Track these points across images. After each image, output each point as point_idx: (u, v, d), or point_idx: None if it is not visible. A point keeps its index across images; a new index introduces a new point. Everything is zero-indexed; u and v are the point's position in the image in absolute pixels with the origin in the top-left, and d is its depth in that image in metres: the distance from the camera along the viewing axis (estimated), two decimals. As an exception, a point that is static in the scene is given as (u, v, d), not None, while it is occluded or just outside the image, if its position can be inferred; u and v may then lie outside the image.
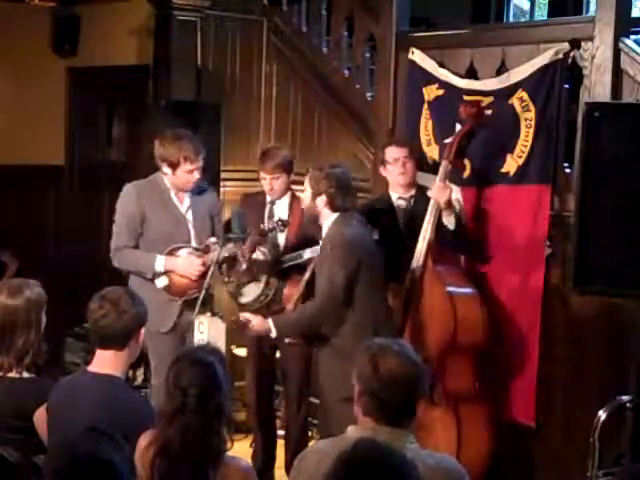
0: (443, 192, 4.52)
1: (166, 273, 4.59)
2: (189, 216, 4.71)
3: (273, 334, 4.20)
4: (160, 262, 4.58)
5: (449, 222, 4.55)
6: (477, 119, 4.74)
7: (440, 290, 4.50)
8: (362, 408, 2.62)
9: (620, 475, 3.33)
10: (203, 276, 4.55)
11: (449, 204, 4.52)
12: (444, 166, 4.64)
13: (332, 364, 4.18)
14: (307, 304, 4.30)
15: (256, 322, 4.25)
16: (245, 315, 4.30)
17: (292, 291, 4.61)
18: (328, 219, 4.24)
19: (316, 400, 5.04)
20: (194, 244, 4.68)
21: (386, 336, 4.19)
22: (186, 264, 4.58)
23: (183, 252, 4.63)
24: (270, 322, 4.20)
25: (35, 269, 5.13)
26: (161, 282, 4.60)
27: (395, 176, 4.74)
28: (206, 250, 4.61)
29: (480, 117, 4.76)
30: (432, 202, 4.55)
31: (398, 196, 4.78)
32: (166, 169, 4.61)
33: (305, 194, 4.34)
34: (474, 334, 4.48)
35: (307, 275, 4.40)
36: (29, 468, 2.97)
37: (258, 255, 4.65)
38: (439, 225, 4.56)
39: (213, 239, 4.64)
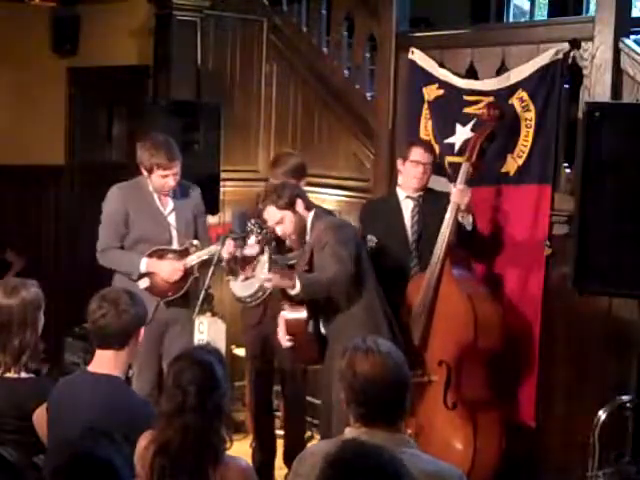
0: (464, 195, 4.50)
1: (148, 275, 4.66)
2: (171, 219, 4.78)
3: (297, 288, 4.06)
4: (144, 264, 4.66)
5: (467, 223, 4.55)
6: (499, 121, 4.71)
7: (459, 291, 4.48)
8: (352, 414, 2.59)
9: None
10: (182, 279, 4.65)
11: (468, 206, 4.51)
12: (465, 168, 4.60)
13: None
14: (322, 273, 4.18)
15: (278, 277, 4.12)
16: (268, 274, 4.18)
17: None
18: (309, 218, 4.34)
19: (315, 400, 5.05)
20: (175, 246, 4.74)
21: (392, 328, 4.25)
22: (169, 269, 4.65)
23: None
24: (296, 276, 4.10)
25: (35, 269, 5.14)
26: (143, 283, 4.67)
27: (410, 177, 4.73)
28: (185, 253, 4.69)
29: (502, 119, 4.72)
30: (451, 205, 4.52)
31: (406, 195, 4.78)
32: (145, 172, 4.72)
33: (285, 225, 4.30)
34: (492, 334, 4.46)
35: (303, 267, 4.35)
36: (29, 468, 2.97)
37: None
38: (456, 226, 4.55)
39: (195, 242, 4.71)
